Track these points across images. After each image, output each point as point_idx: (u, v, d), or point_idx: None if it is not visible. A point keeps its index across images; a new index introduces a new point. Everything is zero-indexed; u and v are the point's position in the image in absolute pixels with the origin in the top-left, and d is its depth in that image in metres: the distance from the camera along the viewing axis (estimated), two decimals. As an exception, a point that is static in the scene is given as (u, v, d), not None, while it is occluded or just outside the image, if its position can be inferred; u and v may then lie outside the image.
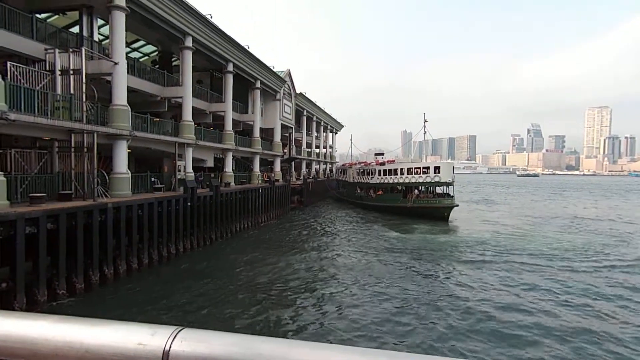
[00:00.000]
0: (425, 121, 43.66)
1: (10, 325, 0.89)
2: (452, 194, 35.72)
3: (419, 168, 37.99)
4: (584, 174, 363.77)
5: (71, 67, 15.95)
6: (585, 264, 18.99)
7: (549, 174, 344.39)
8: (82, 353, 0.83)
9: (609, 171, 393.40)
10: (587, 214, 42.57)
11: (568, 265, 18.68)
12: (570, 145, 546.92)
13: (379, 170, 43.03)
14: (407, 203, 36.22)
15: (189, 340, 0.81)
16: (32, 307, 11.80)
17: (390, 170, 41.38)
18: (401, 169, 39.80)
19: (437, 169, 37.01)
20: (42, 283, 12.26)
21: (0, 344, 0.87)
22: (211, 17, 24.70)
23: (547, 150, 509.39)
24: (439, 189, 37.27)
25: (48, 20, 20.48)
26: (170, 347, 0.81)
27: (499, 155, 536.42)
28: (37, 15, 17.88)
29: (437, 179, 36.27)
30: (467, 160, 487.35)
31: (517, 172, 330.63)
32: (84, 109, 15.83)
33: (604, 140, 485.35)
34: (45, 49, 16.20)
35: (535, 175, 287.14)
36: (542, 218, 38.31)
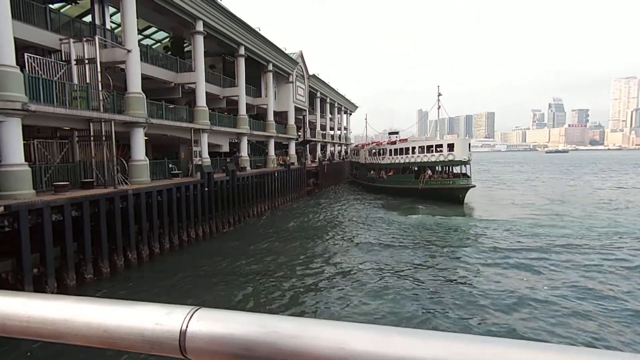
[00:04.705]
0: (440, 94, 41.94)
1: (33, 306, 0.92)
2: (468, 173, 33.84)
3: (432, 146, 35.82)
4: (608, 149, 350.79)
5: (86, 57, 16.13)
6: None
7: (572, 150, 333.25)
8: (100, 332, 0.84)
9: (636, 145, 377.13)
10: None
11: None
12: (594, 119, 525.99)
13: (390, 150, 41.42)
14: (419, 184, 34.66)
15: (205, 320, 0.82)
16: (63, 290, 12.37)
17: (401, 150, 39.50)
18: (412, 148, 37.66)
19: (451, 147, 34.60)
20: (70, 268, 12.79)
21: (24, 325, 0.90)
22: (221, 0, 24.41)
23: (569, 125, 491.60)
24: (456, 169, 35.26)
25: (61, 10, 20.65)
26: (187, 326, 0.81)
27: (518, 132, 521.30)
28: (51, 6, 18.03)
29: (450, 158, 34.13)
30: (485, 137, 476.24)
31: (545, 149, 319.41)
32: (101, 97, 16.08)
33: (631, 112, 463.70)
34: (60, 39, 16.38)
35: (565, 152, 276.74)
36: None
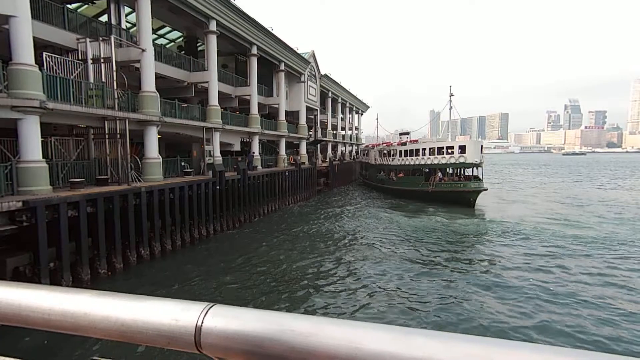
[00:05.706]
0: (452, 95, 41.12)
1: (54, 299, 0.94)
2: (480, 176, 32.93)
3: (442, 148, 34.88)
4: (627, 151, 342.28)
5: (102, 56, 16.44)
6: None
7: (589, 152, 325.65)
8: (118, 326, 0.86)
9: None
10: None
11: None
12: (612, 121, 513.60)
13: (400, 151, 40.69)
14: (428, 187, 33.91)
15: (220, 316, 0.83)
16: (77, 284, 12.62)
17: (411, 151, 38.76)
18: (423, 149, 36.89)
19: (462, 149, 33.19)
20: (84, 263, 13.04)
21: (46, 317, 0.92)
22: (234, 0, 24.61)
23: (586, 127, 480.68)
24: (467, 171, 34.34)
25: (78, 10, 21.08)
26: (202, 322, 0.82)
27: (532, 134, 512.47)
28: (68, 6, 18.41)
29: (462, 160, 33.20)
30: (499, 139, 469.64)
31: (562, 151, 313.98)
32: (116, 96, 16.37)
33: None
34: (77, 39, 16.73)
35: (582, 154, 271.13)
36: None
